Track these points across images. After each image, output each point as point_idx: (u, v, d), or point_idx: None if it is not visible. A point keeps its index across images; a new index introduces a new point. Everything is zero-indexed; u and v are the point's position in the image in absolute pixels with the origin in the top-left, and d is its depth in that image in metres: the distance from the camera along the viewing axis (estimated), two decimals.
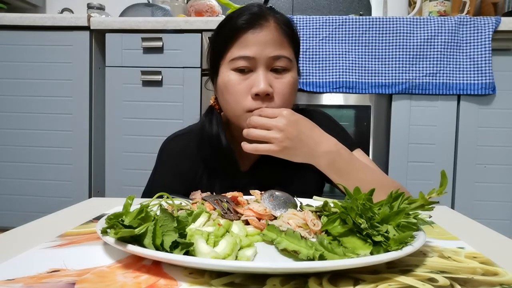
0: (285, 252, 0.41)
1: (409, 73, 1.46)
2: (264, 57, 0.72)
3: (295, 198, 0.60)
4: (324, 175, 0.88)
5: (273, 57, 0.72)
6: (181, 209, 0.54)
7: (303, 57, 1.50)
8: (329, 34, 1.49)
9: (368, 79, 1.48)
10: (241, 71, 0.73)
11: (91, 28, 1.57)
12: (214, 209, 0.54)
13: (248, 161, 0.83)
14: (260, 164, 0.83)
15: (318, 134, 0.70)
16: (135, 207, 0.43)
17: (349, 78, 1.48)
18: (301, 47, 1.54)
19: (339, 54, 1.49)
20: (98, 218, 0.57)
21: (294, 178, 0.82)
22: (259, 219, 0.52)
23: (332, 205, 0.49)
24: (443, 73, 1.46)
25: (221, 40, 0.76)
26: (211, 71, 0.81)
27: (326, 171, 0.70)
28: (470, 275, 0.37)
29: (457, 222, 0.62)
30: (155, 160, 0.89)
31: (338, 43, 1.49)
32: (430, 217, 0.47)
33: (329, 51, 1.49)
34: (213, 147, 0.79)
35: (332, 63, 1.49)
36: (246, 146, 0.69)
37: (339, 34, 1.49)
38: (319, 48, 1.50)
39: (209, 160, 0.81)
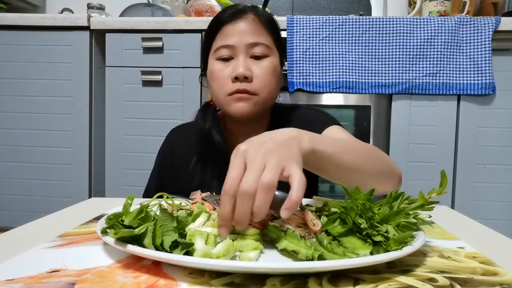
0: (284, 252, 0.41)
1: (409, 73, 1.46)
2: (243, 45, 0.78)
3: None
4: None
5: (251, 44, 0.78)
6: (181, 209, 0.54)
7: (303, 57, 1.50)
8: (329, 34, 1.49)
9: (368, 79, 1.48)
10: (224, 60, 0.79)
11: (91, 28, 1.57)
12: (214, 209, 0.54)
13: None
14: None
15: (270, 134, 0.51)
16: (135, 207, 0.43)
17: (349, 78, 1.47)
18: (301, 47, 1.54)
19: (339, 54, 1.49)
20: (98, 218, 0.57)
21: None
22: None
23: (332, 205, 0.49)
24: (443, 73, 1.45)
25: (208, 35, 0.83)
26: (203, 66, 0.87)
27: (315, 152, 0.53)
28: (470, 275, 0.37)
29: (457, 222, 0.62)
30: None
31: (338, 43, 1.49)
32: (430, 217, 0.47)
33: (329, 51, 1.49)
34: (205, 139, 0.84)
35: (332, 63, 1.49)
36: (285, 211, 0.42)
37: (339, 34, 1.49)
38: (319, 48, 1.50)
39: (202, 150, 0.85)
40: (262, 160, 0.43)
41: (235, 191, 0.41)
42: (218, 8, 1.82)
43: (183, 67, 1.55)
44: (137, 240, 0.39)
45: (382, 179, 0.65)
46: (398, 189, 0.70)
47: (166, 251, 0.37)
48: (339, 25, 1.49)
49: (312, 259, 0.37)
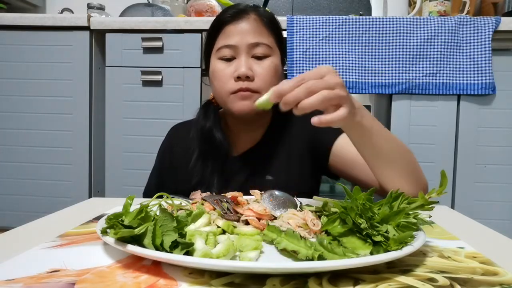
0: (284, 252, 0.41)
1: (409, 73, 1.46)
2: (245, 45, 0.79)
3: (295, 198, 0.61)
4: (320, 168, 0.87)
5: (253, 44, 0.79)
6: (181, 209, 0.54)
7: (303, 57, 1.50)
8: (329, 34, 1.49)
9: (368, 79, 1.48)
10: (226, 59, 0.80)
11: (91, 28, 1.57)
12: (214, 209, 0.54)
13: (240, 149, 0.88)
14: (251, 152, 0.87)
15: None
16: (135, 207, 0.43)
17: (349, 78, 1.47)
18: (301, 47, 1.54)
19: (339, 54, 1.49)
20: (98, 218, 0.57)
21: (282, 168, 0.84)
22: (259, 219, 0.52)
23: (332, 205, 0.49)
24: (443, 73, 1.45)
25: (210, 35, 0.84)
26: (205, 66, 0.88)
27: (362, 126, 0.60)
28: (470, 275, 0.37)
29: (457, 222, 0.62)
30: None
31: (338, 43, 1.49)
32: (430, 217, 0.47)
33: (329, 51, 1.49)
34: (206, 137, 0.84)
35: (332, 63, 1.49)
36: (318, 120, 0.53)
37: (339, 34, 1.49)
38: (319, 48, 1.50)
39: (203, 148, 0.85)
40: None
41: (305, 80, 0.50)
42: (218, 8, 1.82)
43: (183, 67, 1.55)
44: (137, 240, 0.39)
45: (410, 179, 0.68)
46: None
47: (166, 251, 0.37)
48: (339, 25, 1.49)
49: (312, 259, 0.37)
